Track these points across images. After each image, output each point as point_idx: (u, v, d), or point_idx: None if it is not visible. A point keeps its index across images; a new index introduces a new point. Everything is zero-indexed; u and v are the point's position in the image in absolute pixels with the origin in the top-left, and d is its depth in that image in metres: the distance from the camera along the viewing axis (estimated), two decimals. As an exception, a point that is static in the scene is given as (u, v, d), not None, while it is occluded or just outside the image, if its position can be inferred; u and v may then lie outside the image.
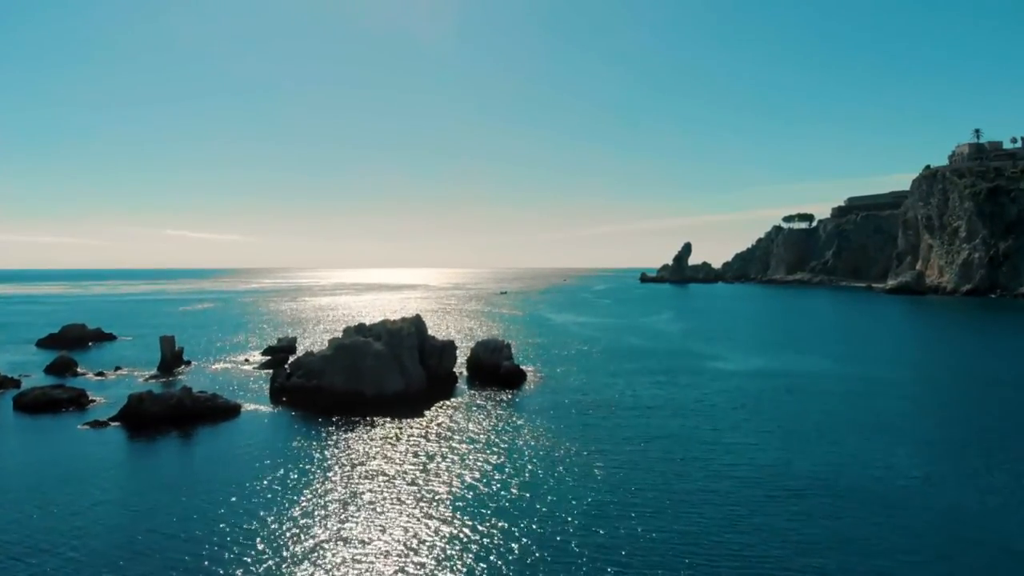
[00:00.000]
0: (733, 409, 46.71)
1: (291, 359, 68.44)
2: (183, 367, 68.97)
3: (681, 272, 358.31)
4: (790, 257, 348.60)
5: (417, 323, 54.63)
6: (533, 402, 49.86)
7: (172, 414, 45.51)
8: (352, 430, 43.04)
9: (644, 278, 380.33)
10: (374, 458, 37.11)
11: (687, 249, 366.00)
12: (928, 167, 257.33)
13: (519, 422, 44.39)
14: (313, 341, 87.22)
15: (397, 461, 36.55)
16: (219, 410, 46.92)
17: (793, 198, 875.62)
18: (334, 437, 41.44)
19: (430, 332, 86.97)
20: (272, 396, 52.71)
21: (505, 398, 51.48)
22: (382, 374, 48.58)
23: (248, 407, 49.40)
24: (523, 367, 63.07)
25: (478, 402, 50.02)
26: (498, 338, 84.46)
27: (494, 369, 57.86)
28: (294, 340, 79.15)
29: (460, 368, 62.91)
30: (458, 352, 72.72)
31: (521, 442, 39.63)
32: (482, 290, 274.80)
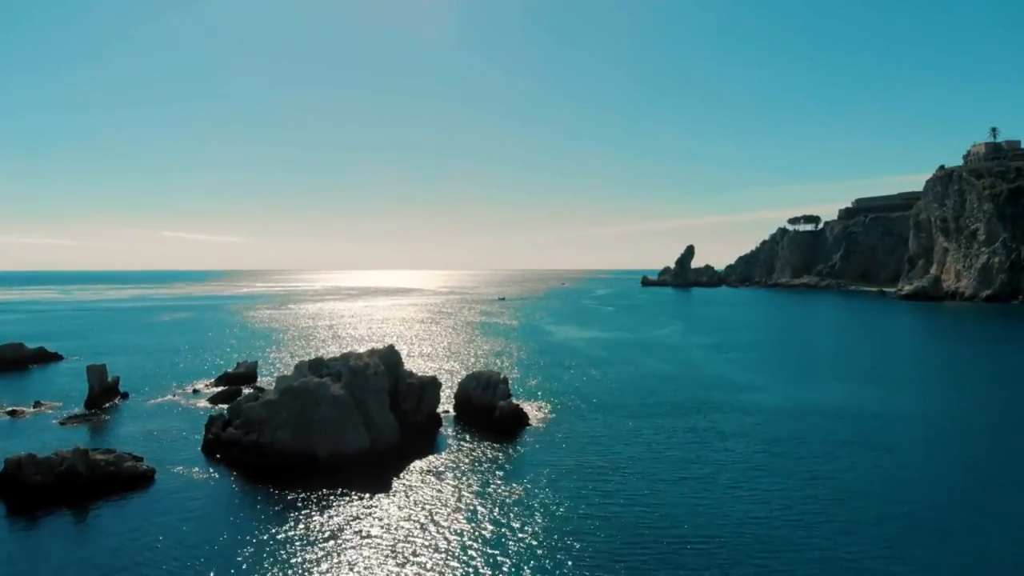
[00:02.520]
0: (806, 484, 35.19)
1: (244, 392, 57.50)
2: (117, 400, 58.06)
3: (684, 275, 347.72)
4: (796, 260, 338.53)
5: (388, 357, 43.53)
6: (536, 463, 38.80)
7: (61, 485, 34.62)
8: (294, 509, 32.17)
9: (645, 281, 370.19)
10: (316, 557, 26.30)
11: (690, 252, 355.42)
12: (943, 167, 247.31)
13: (517, 497, 33.47)
14: (280, 366, 76.12)
15: (348, 561, 25.83)
16: (125, 478, 35.97)
17: (795, 199, 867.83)
18: (267, 522, 30.57)
19: (411, 358, 76.30)
20: (205, 451, 41.72)
21: (500, 455, 40.47)
22: (340, 427, 37.60)
23: (168, 470, 38.40)
24: (523, 403, 52.07)
25: (464, 463, 38.99)
26: (493, 364, 73.12)
27: (487, 411, 46.86)
28: (255, 366, 68.04)
29: (446, 405, 51.95)
30: (446, 383, 61.96)
31: (516, 540, 28.69)
32: (479, 295, 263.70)
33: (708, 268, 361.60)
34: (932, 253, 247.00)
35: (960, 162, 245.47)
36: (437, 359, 79.69)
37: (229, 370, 67.31)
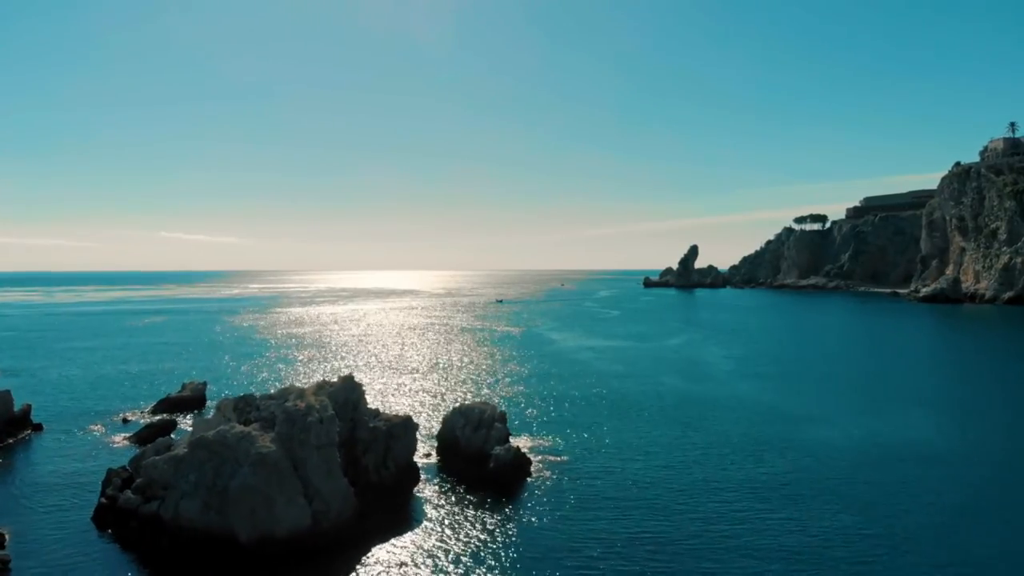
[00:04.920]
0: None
1: (176, 431, 46.93)
2: (27, 434, 47.25)
3: (687, 276, 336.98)
4: (803, 260, 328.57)
5: (344, 393, 32.48)
6: (540, 548, 27.85)
7: None
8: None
9: (647, 282, 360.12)
10: None
11: (693, 252, 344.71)
12: (958, 164, 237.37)
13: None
14: (237, 388, 65.15)
15: None
16: (-44, 575, 25.11)
17: (796, 199, 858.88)
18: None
19: (386, 380, 64.40)
20: (96, 521, 30.79)
21: (493, 532, 29.51)
22: (268, 498, 26.70)
23: (34, 553, 27.56)
24: (523, 441, 41.17)
25: (444, 546, 28.06)
26: (487, 386, 61.59)
27: (479, 459, 35.92)
28: (203, 388, 57.03)
29: (428, 445, 41.15)
30: (431, 414, 51.41)
31: None
32: (476, 297, 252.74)
33: (712, 269, 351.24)
34: (946, 253, 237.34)
35: (972, 160, 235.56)
36: (419, 381, 66.85)
37: (172, 393, 56.37)
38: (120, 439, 46.12)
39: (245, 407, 31.33)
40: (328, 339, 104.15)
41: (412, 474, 33.91)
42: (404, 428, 33.64)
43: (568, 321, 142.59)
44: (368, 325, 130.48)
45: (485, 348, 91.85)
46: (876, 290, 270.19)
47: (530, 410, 53.32)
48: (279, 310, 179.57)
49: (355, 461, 31.27)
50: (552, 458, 39.63)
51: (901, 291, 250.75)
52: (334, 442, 28.43)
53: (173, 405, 53.62)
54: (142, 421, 51.23)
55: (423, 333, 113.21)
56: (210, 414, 47.29)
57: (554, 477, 36.09)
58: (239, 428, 28.33)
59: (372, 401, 51.81)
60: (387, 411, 36.84)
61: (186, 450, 28.63)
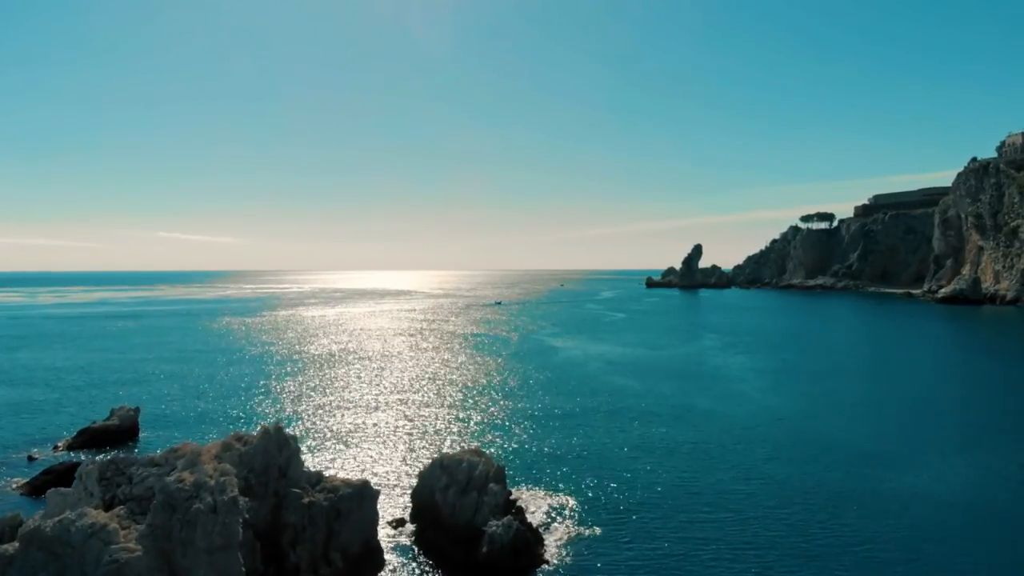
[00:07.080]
0: None
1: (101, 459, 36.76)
2: (-102, 481, 37.23)
3: (691, 276, 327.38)
4: (809, 260, 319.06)
5: (263, 457, 22.25)
6: None
7: None
8: None
9: (650, 283, 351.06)
10: None
11: (697, 251, 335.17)
12: (975, 159, 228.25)
13: None
14: (181, 414, 55.02)
15: None
16: None
17: (798, 199, 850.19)
18: None
19: (347, 411, 51.24)
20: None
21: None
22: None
23: None
24: (530, 508, 30.84)
25: None
26: (479, 419, 50.13)
27: (468, 536, 25.90)
28: (135, 415, 46.93)
29: (400, 509, 31.29)
30: (406, 463, 41.42)
31: None
32: (474, 298, 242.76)
33: (715, 268, 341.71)
34: (961, 252, 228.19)
35: (988, 156, 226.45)
36: (395, 409, 53.35)
37: (96, 421, 46.35)
38: (14, 486, 36.22)
39: (115, 476, 21.39)
40: (304, 351, 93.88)
41: (371, 562, 23.91)
42: (357, 500, 23.60)
43: (572, 326, 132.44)
44: (352, 332, 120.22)
45: (480, 362, 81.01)
46: (887, 290, 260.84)
47: (536, 454, 41.23)
48: (265, 313, 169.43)
49: (280, 557, 21.35)
50: (572, 532, 28.72)
51: (914, 291, 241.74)
52: (235, 540, 18.51)
53: (95, 437, 43.65)
54: (57, 455, 41.53)
55: (411, 342, 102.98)
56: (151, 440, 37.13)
57: (572, 564, 25.78)
58: (92, 515, 18.45)
59: (322, 449, 40.52)
60: (341, 465, 26.92)
61: (18, 550, 18.72)
